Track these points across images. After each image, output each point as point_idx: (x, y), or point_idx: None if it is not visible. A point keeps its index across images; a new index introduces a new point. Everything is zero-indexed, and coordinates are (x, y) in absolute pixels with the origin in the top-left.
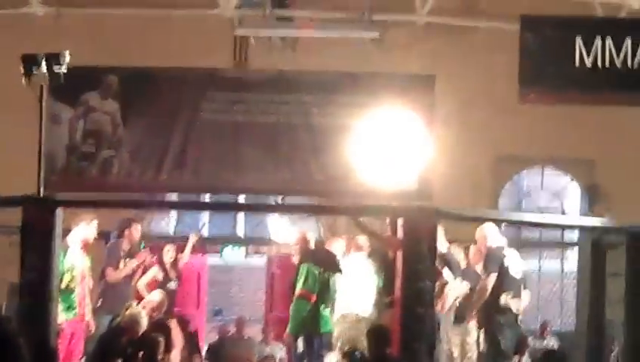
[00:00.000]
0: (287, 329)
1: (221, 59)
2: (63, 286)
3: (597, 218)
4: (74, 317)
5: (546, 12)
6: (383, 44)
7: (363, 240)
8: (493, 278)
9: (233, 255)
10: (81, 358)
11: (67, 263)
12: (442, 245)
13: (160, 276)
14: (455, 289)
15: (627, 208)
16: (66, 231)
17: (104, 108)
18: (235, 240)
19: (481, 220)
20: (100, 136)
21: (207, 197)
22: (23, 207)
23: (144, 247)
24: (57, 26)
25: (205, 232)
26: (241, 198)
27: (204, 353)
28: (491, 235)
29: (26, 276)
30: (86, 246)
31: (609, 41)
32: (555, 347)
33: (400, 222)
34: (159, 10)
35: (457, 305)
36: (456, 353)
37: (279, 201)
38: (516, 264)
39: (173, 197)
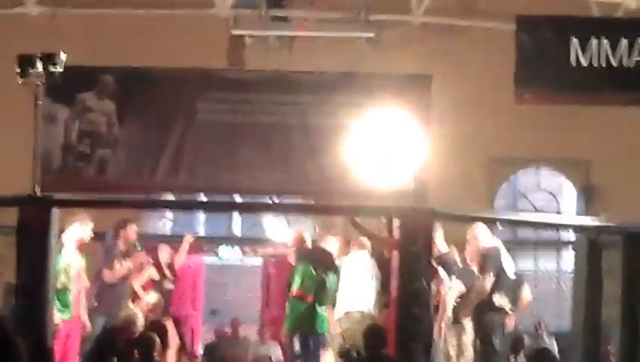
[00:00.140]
0: (283, 329)
1: (217, 59)
2: (58, 286)
3: (593, 218)
4: (69, 318)
5: (542, 12)
6: (379, 44)
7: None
8: (491, 278)
9: (229, 255)
10: (77, 358)
11: (62, 263)
12: (442, 245)
13: (156, 276)
14: (453, 289)
15: (623, 208)
16: (62, 231)
17: (100, 108)
18: (231, 241)
19: (476, 220)
20: (95, 136)
21: (203, 198)
22: (19, 207)
23: (140, 248)
24: (52, 26)
25: (201, 232)
26: (237, 199)
27: (200, 353)
28: (482, 236)
29: (22, 276)
30: (81, 246)
31: (605, 41)
32: (553, 346)
33: (396, 222)
34: (155, 10)
35: (455, 304)
36: (452, 352)
37: (275, 201)
38: (509, 263)
39: (169, 197)
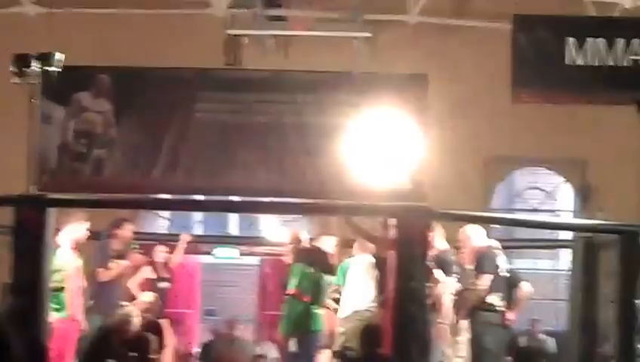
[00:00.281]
0: (280, 329)
1: (213, 58)
2: (53, 285)
3: (589, 218)
4: (65, 317)
5: (539, 12)
6: (375, 43)
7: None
8: (488, 278)
9: (225, 254)
10: (72, 358)
11: (58, 263)
12: (441, 245)
13: (152, 276)
14: (450, 289)
15: (619, 208)
16: (58, 231)
17: (96, 107)
18: (228, 240)
19: (473, 220)
20: (92, 136)
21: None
22: (15, 207)
23: (136, 247)
24: (49, 26)
25: (198, 232)
26: (235, 199)
27: (196, 353)
28: (475, 236)
29: (17, 276)
30: (77, 246)
31: (601, 41)
32: (550, 346)
33: (392, 222)
34: (151, 9)
35: (451, 304)
36: (448, 352)
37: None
38: (503, 263)
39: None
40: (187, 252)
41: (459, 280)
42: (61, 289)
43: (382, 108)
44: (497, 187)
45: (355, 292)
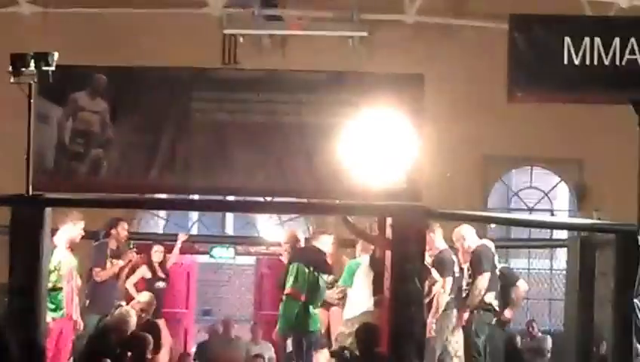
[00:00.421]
0: (276, 329)
1: (210, 58)
2: (49, 285)
3: (586, 217)
4: (61, 317)
5: (535, 12)
6: (372, 43)
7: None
8: (486, 277)
9: (222, 254)
10: (69, 358)
11: (54, 262)
12: (441, 243)
13: (148, 275)
14: (447, 288)
15: (616, 207)
16: (54, 231)
17: (93, 107)
18: (225, 240)
19: (469, 219)
20: (88, 136)
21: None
22: (12, 207)
23: (132, 247)
24: (45, 26)
25: (194, 232)
26: (231, 198)
27: (192, 353)
28: (469, 235)
29: (14, 275)
30: (72, 246)
31: (598, 40)
32: (547, 345)
33: (389, 221)
34: (148, 9)
35: (448, 303)
36: (445, 351)
37: (268, 200)
38: (498, 262)
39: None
40: (184, 252)
41: (459, 280)
42: (57, 289)
43: (378, 107)
44: (494, 187)
45: (363, 293)
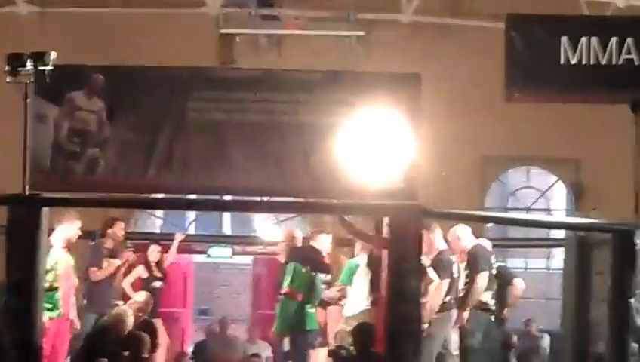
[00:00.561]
0: (273, 328)
1: (207, 57)
2: (46, 285)
3: (583, 216)
4: (58, 316)
5: (532, 11)
6: (369, 42)
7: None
8: (485, 276)
9: (219, 254)
10: (66, 357)
11: (50, 262)
12: (440, 243)
13: (145, 275)
14: (444, 287)
15: (613, 207)
16: (51, 231)
17: (90, 107)
18: (222, 240)
19: (466, 219)
20: (85, 135)
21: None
22: (9, 206)
23: (129, 246)
24: (42, 25)
25: (191, 231)
26: (228, 198)
27: (189, 352)
28: (465, 235)
29: (11, 275)
30: (69, 246)
31: (594, 40)
32: (545, 344)
33: (386, 221)
34: (145, 8)
35: (446, 302)
36: (442, 350)
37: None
38: (494, 261)
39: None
40: (181, 251)
41: (458, 280)
42: (54, 288)
43: (375, 107)
44: (491, 186)
45: (363, 291)
